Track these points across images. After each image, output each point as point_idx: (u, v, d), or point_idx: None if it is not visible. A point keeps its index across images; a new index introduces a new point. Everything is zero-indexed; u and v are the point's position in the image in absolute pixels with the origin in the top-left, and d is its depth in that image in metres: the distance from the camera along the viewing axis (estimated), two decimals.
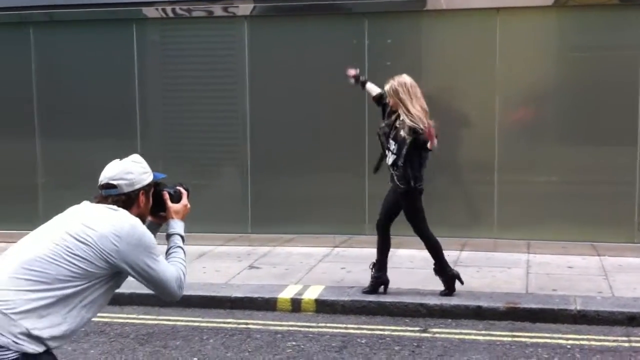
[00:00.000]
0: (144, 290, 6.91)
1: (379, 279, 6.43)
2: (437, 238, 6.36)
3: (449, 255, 7.62)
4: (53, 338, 2.57)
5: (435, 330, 5.81)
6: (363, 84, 6.80)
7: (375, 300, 6.25)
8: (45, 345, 2.55)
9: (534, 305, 6.07)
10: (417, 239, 6.43)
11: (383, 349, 5.43)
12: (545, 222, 8.12)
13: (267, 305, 6.41)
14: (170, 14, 8.86)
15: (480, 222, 8.36)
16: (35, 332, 2.51)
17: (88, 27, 9.04)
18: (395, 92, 6.07)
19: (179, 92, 9.11)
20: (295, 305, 6.37)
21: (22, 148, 9.32)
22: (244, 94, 8.77)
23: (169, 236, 2.98)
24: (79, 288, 2.60)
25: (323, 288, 6.63)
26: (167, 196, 3.00)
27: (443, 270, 6.36)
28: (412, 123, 5.96)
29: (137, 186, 2.84)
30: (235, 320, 6.16)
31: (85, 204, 2.85)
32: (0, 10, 9.00)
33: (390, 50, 8.51)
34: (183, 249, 2.94)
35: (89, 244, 2.61)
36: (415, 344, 5.50)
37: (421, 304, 6.16)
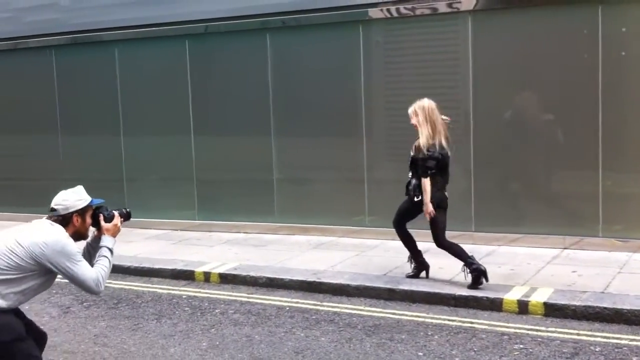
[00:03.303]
0: (371, 283, 7.16)
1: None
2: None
3: None
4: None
5: None
6: None
7: (611, 307, 5.87)
8: None
9: None
10: None
11: (619, 358, 5.10)
12: None
13: (492, 305, 6.32)
14: (395, 14, 9.04)
15: None
16: None
17: (318, 31, 9.53)
18: (415, 114, 6.71)
19: (402, 90, 9.24)
20: (522, 307, 6.20)
21: (259, 146, 10.07)
22: (467, 90, 8.68)
23: (100, 247, 3.96)
24: (14, 277, 3.66)
25: (552, 291, 6.37)
26: (101, 217, 4.00)
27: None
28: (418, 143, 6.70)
29: (71, 209, 3.84)
30: (459, 319, 6.15)
31: (39, 220, 3.86)
32: (241, 18, 9.85)
33: (626, 39, 7.91)
34: (108, 258, 3.92)
35: (23, 246, 3.68)
36: None
37: None
